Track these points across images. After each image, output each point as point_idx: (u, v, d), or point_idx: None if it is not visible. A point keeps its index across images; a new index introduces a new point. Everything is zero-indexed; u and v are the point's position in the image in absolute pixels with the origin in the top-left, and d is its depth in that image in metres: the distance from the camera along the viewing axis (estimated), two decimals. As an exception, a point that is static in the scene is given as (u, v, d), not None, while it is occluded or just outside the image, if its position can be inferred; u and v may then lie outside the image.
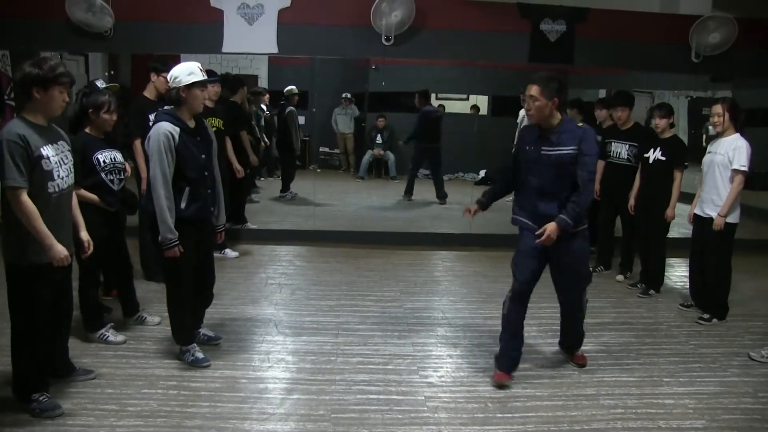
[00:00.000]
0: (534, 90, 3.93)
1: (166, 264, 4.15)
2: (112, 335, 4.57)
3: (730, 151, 5.16)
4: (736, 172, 5.15)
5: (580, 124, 4.05)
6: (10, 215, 3.39)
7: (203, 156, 4.17)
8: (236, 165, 6.97)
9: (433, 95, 12.80)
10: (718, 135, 5.34)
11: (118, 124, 4.72)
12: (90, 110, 4.44)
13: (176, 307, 4.27)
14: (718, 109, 5.28)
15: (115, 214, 4.66)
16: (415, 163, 10.77)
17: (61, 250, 3.40)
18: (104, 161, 4.48)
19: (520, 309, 4.22)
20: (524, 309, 4.23)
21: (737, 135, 5.22)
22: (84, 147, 4.37)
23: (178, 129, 3.99)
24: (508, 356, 4.24)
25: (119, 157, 4.62)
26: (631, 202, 6.21)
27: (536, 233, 3.99)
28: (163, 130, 3.95)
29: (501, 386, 4.12)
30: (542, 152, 4.00)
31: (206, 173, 4.20)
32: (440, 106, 13.02)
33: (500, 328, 4.21)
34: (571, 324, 4.49)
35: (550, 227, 3.93)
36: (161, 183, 3.93)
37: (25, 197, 3.28)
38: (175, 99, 4.06)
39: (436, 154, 10.49)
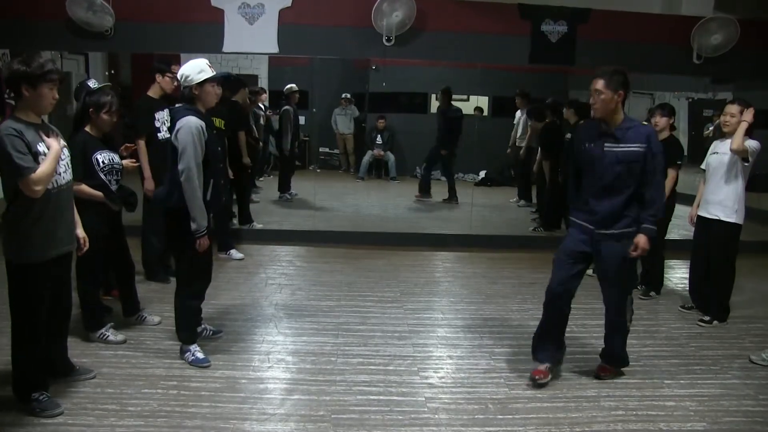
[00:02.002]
0: (599, 84, 3.86)
1: (186, 257, 4.21)
2: (112, 335, 4.56)
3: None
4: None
5: (645, 123, 4.02)
6: (11, 213, 3.39)
7: (219, 149, 4.27)
8: (246, 159, 7.04)
9: (433, 96, 12.86)
10: (725, 136, 5.30)
11: (117, 125, 4.71)
12: (90, 109, 4.44)
13: (188, 303, 4.32)
14: (733, 108, 5.20)
15: (116, 213, 4.66)
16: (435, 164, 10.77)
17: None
18: (103, 161, 4.48)
19: (554, 315, 4.21)
20: (561, 315, 4.23)
21: (746, 137, 5.19)
22: (85, 146, 4.37)
23: (203, 123, 4.07)
24: (543, 349, 4.29)
25: (117, 158, 4.62)
26: None
27: (630, 250, 3.99)
28: (195, 123, 4.01)
29: (533, 381, 4.17)
30: (605, 149, 3.93)
31: (220, 165, 4.30)
32: (440, 107, 13.06)
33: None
34: (611, 337, 4.37)
35: (642, 241, 3.94)
36: (196, 175, 4.00)
37: (35, 175, 3.26)
38: (189, 97, 4.13)
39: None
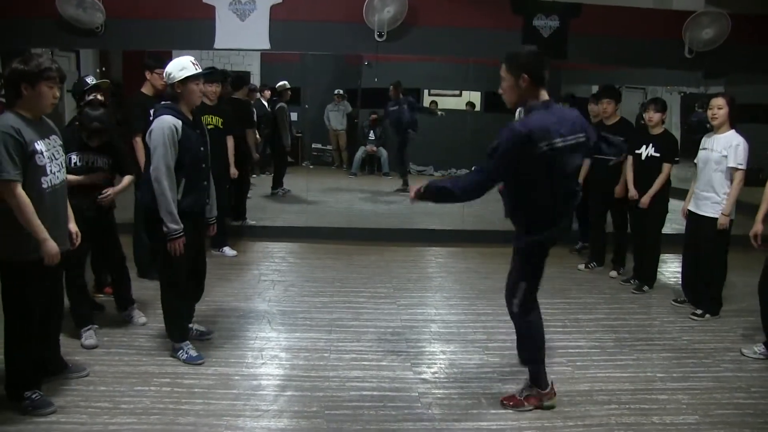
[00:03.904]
0: (502, 69, 3.42)
1: (162, 259, 4.15)
2: (85, 337, 4.45)
3: (728, 149, 5.14)
4: (734, 170, 5.13)
5: (519, 119, 3.40)
6: (3, 212, 3.37)
7: (202, 149, 4.20)
8: (232, 169, 6.93)
9: (425, 91, 12.87)
10: (713, 131, 5.32)
11: (111, 122, 4.66)
12: (78, 122, 4.39)
13: (171, 303, 4.26)
14: (719, 101, 5.22)
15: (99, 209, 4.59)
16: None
17: (53, 246, 3.38)
18: (76, 163, 4.41)
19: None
20: None
21: (733, 132, 5.20)
22: (66, 143, 4.30)
23: (180, 122, 4.02)
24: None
25: (100, 160, 4.52)
26: (632, 193, 6.13)
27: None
28: (167, 123, 3.97)
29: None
30: None
31: (204, 165, 4.23)
32: (432, 102, 13.07)
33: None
34: None
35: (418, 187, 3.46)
36: (165, 175, 3.95)
37: (20, 190, 3.26)
38: (172, 95, 4.10)
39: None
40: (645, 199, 5.88)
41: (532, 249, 3.61)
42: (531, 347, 3.80)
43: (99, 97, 5.03)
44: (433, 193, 3.46)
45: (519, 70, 3.33)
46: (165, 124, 3.97)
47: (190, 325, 4.60)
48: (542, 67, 3.39)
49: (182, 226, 4.03)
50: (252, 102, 8.90)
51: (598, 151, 3.85)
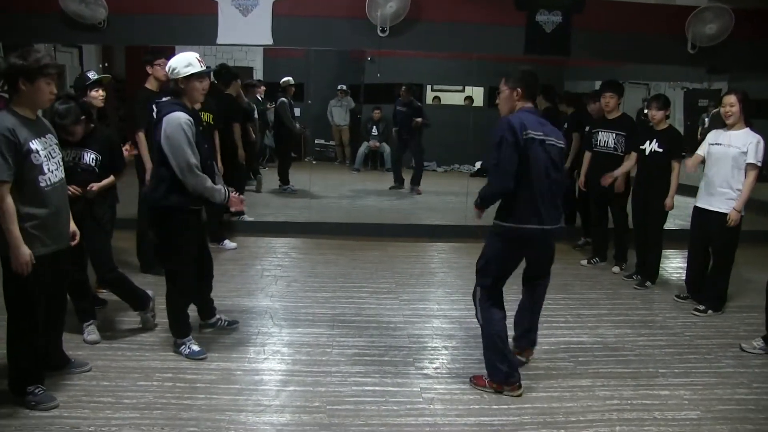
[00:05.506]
0: (501, 83, 4.00)
1: (169, 254, 4.19)
2: (87, 333, 4.44)
3: (747, 145, 5.09)
4: (752, 166, 5.10)
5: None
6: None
7: (206, 146, 4.18)
8: (219, 164, 6.88)
9: (428, 87, 12.85)
10: (725, 127, 5.29)
11: (112, 118, 4.64)
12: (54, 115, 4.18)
13: (175, 299, 4.27)
14: (731, 99, 5.18)
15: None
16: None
17: (25, 253, 3.29)
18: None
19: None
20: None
21: (748, 129, 5.18)
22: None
23: (191, 118, 3.99)
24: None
25: (87, 155, 4.37)
26: (619, 185, 6.28)
27: None
28: (184, 119, 3.92)
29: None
30: None
31: (208, 162, 4.21)
32: (435, 98, 13.06)
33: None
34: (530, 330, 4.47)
35: None
36: (196, 170, 3.95)
37: (6, 193, 3.24)
38: (174, 91, 4.05)
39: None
40: (669, 201, 5.86)
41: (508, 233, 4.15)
42: (487, 342, 4.06)
43: (101, 92, 5.05)
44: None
45: (515, 83, 3.91)
46: (182, 120, 3.91)
47: (218, 316, 4.70)
48: (534, 85, 4.00)
49: (222, 187, 4.17)
50: (247, 99, 8.87)
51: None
